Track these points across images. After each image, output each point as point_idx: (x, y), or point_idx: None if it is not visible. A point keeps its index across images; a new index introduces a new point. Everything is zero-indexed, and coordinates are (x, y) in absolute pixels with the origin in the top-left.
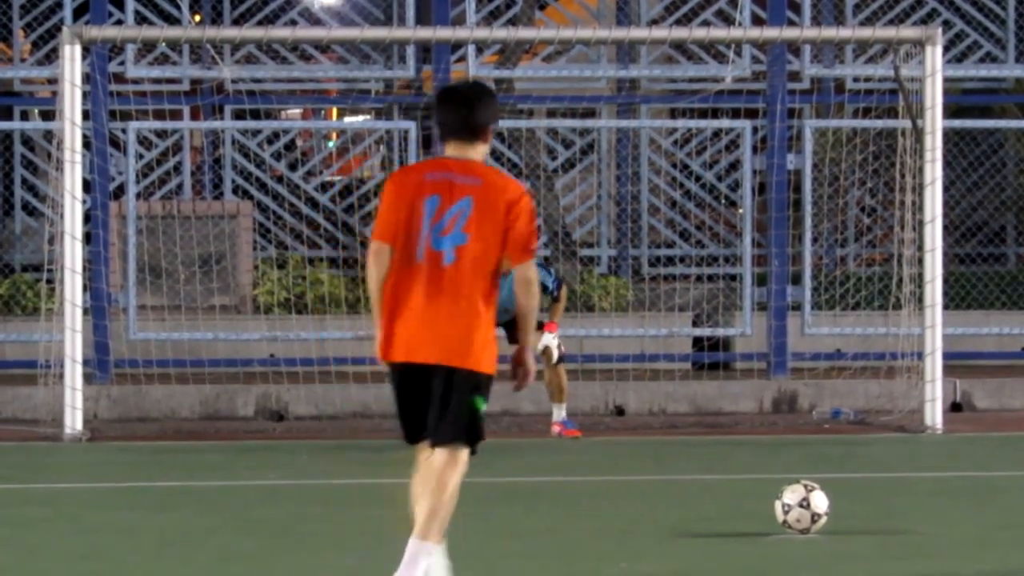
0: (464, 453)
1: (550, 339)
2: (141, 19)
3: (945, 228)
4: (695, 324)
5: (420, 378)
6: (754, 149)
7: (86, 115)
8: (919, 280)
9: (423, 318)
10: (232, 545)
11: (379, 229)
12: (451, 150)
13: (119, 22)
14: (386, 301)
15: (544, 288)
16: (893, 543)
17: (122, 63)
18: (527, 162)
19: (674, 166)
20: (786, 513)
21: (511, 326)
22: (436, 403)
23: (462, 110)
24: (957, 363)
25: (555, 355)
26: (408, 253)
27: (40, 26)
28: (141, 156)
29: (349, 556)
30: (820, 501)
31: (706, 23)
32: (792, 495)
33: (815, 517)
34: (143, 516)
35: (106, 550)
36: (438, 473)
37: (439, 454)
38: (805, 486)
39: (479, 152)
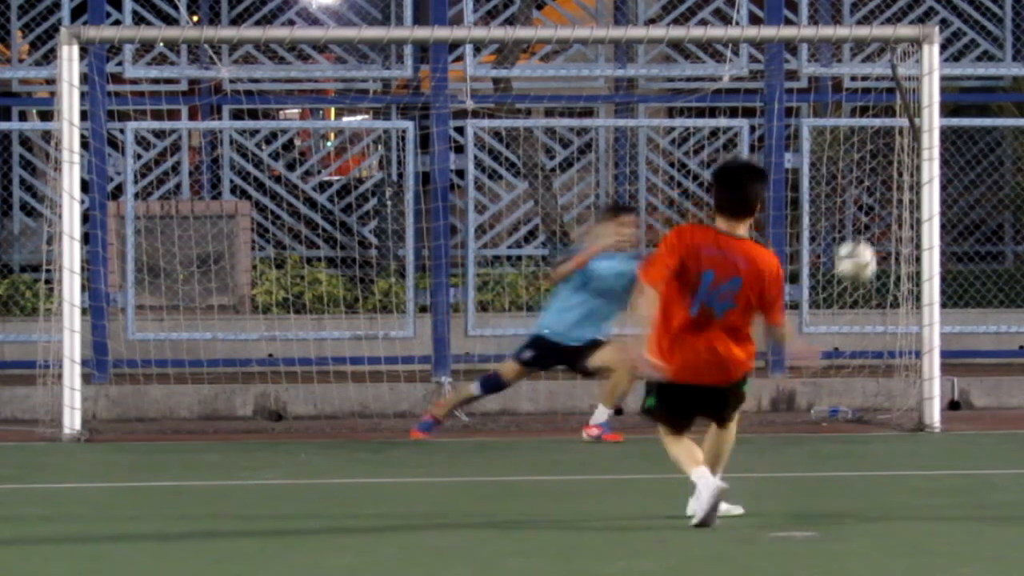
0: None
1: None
2: (139, 19)
3: (942, 226)
4: None
5: (700, 392)
6: (751, 148)
7: (84, 115)
8: (917, 278)
9: (704, 353)
10: (231, 545)
11: (654, 274)
12: (722, 224)
13: (117, 22)
14: (662, 331)
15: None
16: (891, 541)
17: (120, 63)
18: (525, 161)
19: (672, 165)
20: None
21: None
22: (721, 403)
23: (736, 192)
24: (955, 361)
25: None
26: (685, 304)
27: (38, 26)
28: (139, 156)
29: (349, 555)
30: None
31: (703, 22)
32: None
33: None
34: (142, 516)
35: (105, 550)
36: (728, 435)
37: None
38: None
39: (745, 227)
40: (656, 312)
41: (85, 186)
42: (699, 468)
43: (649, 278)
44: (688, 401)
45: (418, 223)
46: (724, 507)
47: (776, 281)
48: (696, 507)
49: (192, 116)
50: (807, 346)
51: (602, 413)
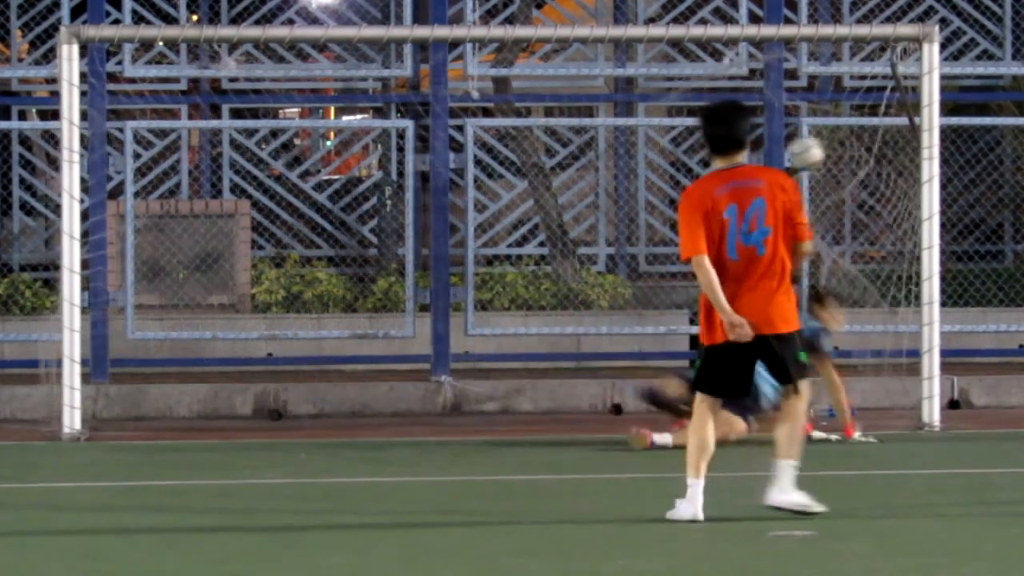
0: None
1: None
2: (139, 19)
3: (942, 225)
4: (692, 322)
5: (753, 347)
6: (751, 147)
7: (84, 115)
8: (916, 277)
9: (751, 298)
10: (231, 544)
11: (693, 244)
12: (720, 163)
13: (117, 21)
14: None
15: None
16: (891, 540)
17: (120, 62)
18: (524, 160)
19: (671, 164)
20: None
21: None
22: (776, 358)
23: (722, 128)
24: (955, 360)
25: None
26: (724, 252)
27: (38, 26)
28: (139, 155)
29: (349, 555)
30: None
31: (703, 21)
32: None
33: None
34: (142, 515)
35: (105, 549)
36: (795, 412)
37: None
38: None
39: (743, 157)
40: (714, 274)
41: (85, 185)
42: (699, 480)
43: (692, 250)
44: (739, 357)
45: (418, 222)
46: (805, 501)
47: (793, 188)
48: (682, 511)
49: (192, 115)
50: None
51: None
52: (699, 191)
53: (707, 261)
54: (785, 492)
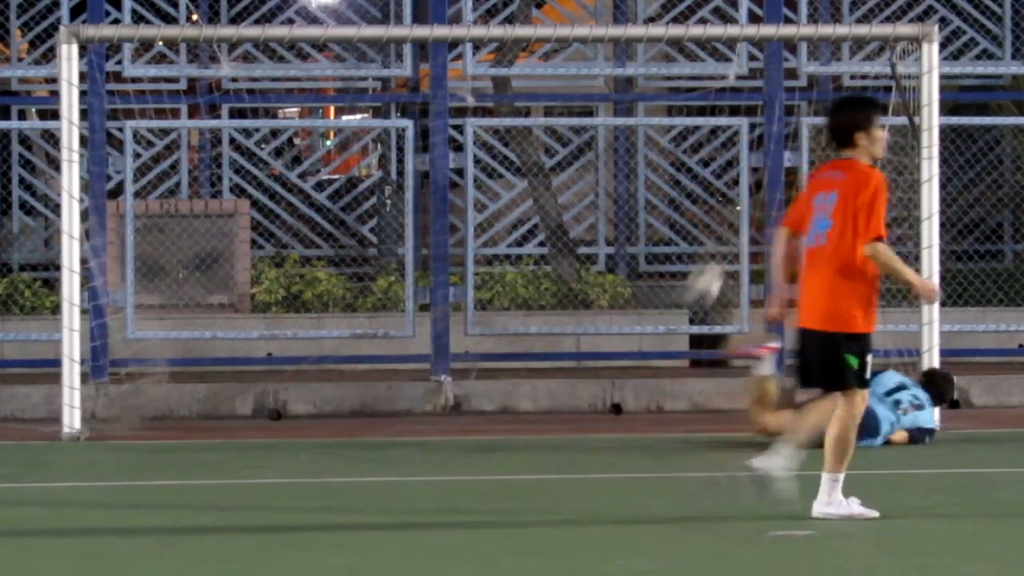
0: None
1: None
2: (138, 18)
3: (942, 225)
4: (692, 321)
5: (803, 339)
6: (751, 146)
7: (83, 114)
8: None
9: (805, 288)
10: (231, 543)
11: (786, 215)
12: (835, 153)
13: (116, 21)
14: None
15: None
16: (891, 540)
17: (119, 62)
18: (524, 160)
19: (671, 164)
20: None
21: None
22: (817, 357)
23: (828, 121)
24: (954, 360)
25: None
26: (804, 240)
27: (37, 25)
28: (138, 155)
29: (349, 555)
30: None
31: (703, 21)
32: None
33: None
34: (141, 515)
35: (104, 549)
36: (819, 410)
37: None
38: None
39: (850, 151)
40: (781, 249)
41: (84, 185)
42: (790, 448)
43: (783, 220)
44: (801, 349)
45: (417, 222)
46: (859, 510)
47: (865, 187)
48: (764, 464)
49: (191, 115)
50: (923, 282)
51: None
52: (815, 173)
53: (781, 232)
54: (819, 503)
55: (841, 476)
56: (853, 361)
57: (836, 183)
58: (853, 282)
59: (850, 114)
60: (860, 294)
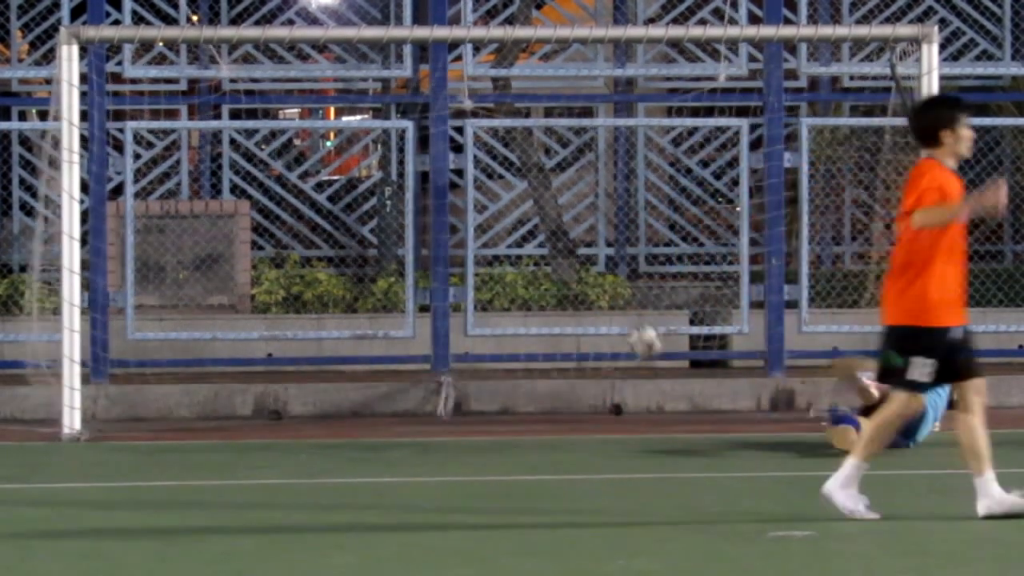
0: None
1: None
2: (138, 19)
3: None
4: (692, 322)
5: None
6: (751, 147)
7: (84, 115)
8: None
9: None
10: (231, 544)
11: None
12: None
13: (116, 22)
14: None
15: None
16: (891, 541)
17: (119, 63)
18: (524, 161)
19: (671, 164)
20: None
21: None
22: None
23: (910, 121)
24: None
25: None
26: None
27: (38, 26)
28: (139, 156)
29: (349, 555)
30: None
31: (703, 21)
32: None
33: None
34: (141, 516)
35: (104, 550)
36: (881, 411)
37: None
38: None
39: (928, 152)
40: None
41: (85, 186)
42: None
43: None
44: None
45: (417, 222)
46: (863, 511)
47: (918, 176)
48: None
49: (191, 116)
50: (981, 194)
51: None
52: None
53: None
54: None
55: (865, 466)
56: (895, 358)
57: (906, 182)
58: (913, 274)
59: (937, 112)
60: (916, 286)
